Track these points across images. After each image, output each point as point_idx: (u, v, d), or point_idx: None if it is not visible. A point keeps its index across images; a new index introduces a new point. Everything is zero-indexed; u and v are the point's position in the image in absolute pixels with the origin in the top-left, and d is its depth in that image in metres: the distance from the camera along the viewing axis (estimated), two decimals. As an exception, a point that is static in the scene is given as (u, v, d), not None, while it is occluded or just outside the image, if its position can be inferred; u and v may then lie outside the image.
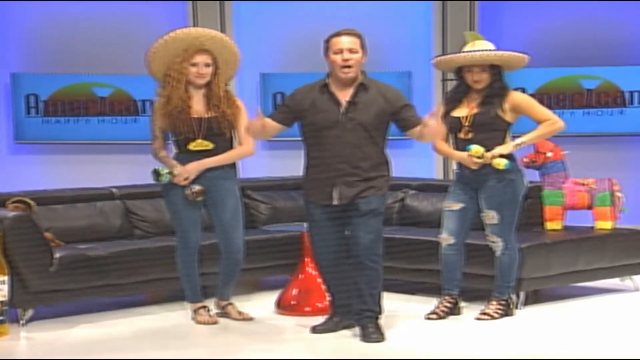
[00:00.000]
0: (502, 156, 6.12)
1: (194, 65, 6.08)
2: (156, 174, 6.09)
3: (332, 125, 5.68)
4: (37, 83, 10.15)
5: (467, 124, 6.20)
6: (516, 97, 6.24)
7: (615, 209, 7.19)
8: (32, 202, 6.67)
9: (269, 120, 5.80)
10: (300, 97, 5.81)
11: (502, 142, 6.18)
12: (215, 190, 6.13)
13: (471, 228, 6.35)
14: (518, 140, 6.16)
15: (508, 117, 6.19)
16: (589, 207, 7.23)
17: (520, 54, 6.25)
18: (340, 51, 5.69)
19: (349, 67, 5.67)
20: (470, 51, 6.20)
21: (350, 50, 5.69)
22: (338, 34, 5.75)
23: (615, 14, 10.23)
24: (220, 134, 6.11)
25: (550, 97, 10.00)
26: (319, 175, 5.73)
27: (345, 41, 5.71)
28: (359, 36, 5.76)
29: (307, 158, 5.83)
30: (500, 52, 6.18)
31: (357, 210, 5.68)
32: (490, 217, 6.21)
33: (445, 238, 6.33)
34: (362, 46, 5.75)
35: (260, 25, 10.41)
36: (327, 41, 5.77)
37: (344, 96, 5.71)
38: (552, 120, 6.20)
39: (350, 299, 5.82)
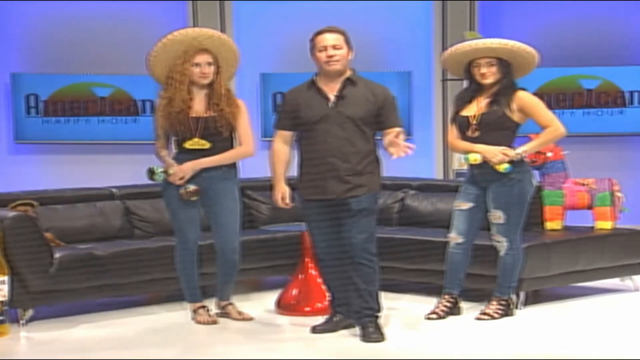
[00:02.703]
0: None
1: (196, 65, 6.09)
2: (150, 172, 6.10)
3: (322, 119, 5.71)
4: (37, 83, 10.16)
5: (474, 122, 6.20)
6: (524, 98, 6.20)
7: (615, 209, 7.19)
8: (35, 203, 6.65)
9: (281, 133, 5.87)
10: (291, 97, 5.88)
11: (510, 142, 6.17)
12: (212, 190, 6.13)
13: (480, 228, 6.34)
14: (520, 149, 6.15)
15: (516, 117, 6.17)
16: (589, 207, 7.23)
17: (528, 47, 6.18)
18: (325, 48, 5.74)
19: (333, 61, 5.72)
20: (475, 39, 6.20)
21: (335, 47, 5.74)
22: (321, 32, 5.81)
23: (615, 14, 10.23)
24: (217, 133, 6.10)
25: (550, 97, 9.99)
26: (311, 170, 5.75)
27: (329, 38, 5.76)
28: (342, 33, 5.81)
29: (300, 155, 5.86)
30: (505, 41, 6.15)
31: (348, 209, 5.70)
32: (497, 216, 6.20)
33: (454, 237, 6.33)
34: (347, 42, 5.79)
35: (260, 25, 10.42)
36: (312, 40, 5.83)
37: (332, 90, 5.76)
38: (554, 127, 6.19)
39: (350, 296, 5.83)
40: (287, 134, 5.88)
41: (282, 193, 5.85)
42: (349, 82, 5.78)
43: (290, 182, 5.90)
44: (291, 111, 5.83)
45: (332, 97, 5.75)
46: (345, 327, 5.91)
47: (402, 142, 5.50)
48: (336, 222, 5.76)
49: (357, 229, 5.71)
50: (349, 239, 5.72)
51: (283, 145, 5.88)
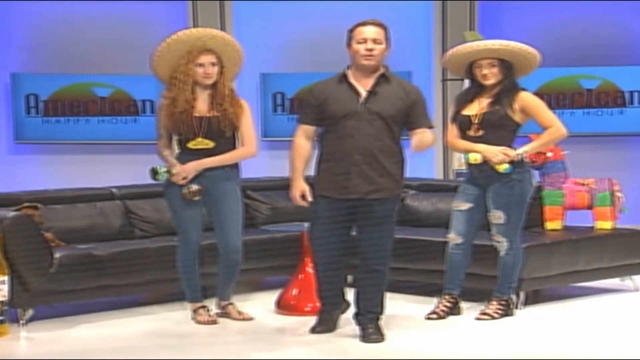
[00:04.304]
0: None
1: (200, 65, 6.07)
2: (153, 172, 6.10)
3: (351, 115, 5.54)
4: (37, 83, 10.17)
5: (476, 121, 6.19)
6: (526, 98, 6.19)
7: (615, 209, 7.19)
8: (39, 205, 6.63)
9: (304, 127, 5.71)
10: (319, 90, 5.68)
11: (510, 142, 6.17)
12: (215, 190, 6.13)
13: (480, 228, 6.34)
14: (520, 150, 6.15)
15: (517, 117, 6.16)
16: (589, 207, 7.22)
17: (529, 48, 6.16)
18: (364, 41, 5.57)
19: (371, 55, 5.57)
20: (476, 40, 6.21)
21: (375, 41, 5.58)
22: (363, 24, 5.63)
23: (615, 14, 10.23)
24: (220, 133, 6.10)
25: (550, 97, 9.99)
26: (334, 166, 5.60)
27: (370, 31, 5.60)
28: (384, 27, 5.65)
29: (322, 150, 5.68)
30: (506, 42, 6.14)
31: (370, 212, 5.60)
32: (497, 217, 6.20)
33: (453, 238, 6.33)
34: (387, 38, 5.65)
35: (260, 25, 10.42)
36: (351, 30, 5.65)
37: (364, 86, 5.59)
38: (555, 128, 6.18)
39: (338, 287, 5.85)
40: (311, 129, 5.70)
41: (302, 190, 5.67)
42: (383, 78, 5.62)
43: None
44: (317, 105, 5.63)
45: (363, 93, 5.58)
46: (341, 313, 5.90)
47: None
48: (347, 220, 5.66)
49: (377, 234, 5.63)
50: (368, 244, 5.63)
51: (305, 140, 5.70)
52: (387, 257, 5.71)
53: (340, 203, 5.63)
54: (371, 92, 5.59)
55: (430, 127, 5.70)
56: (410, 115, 5.64)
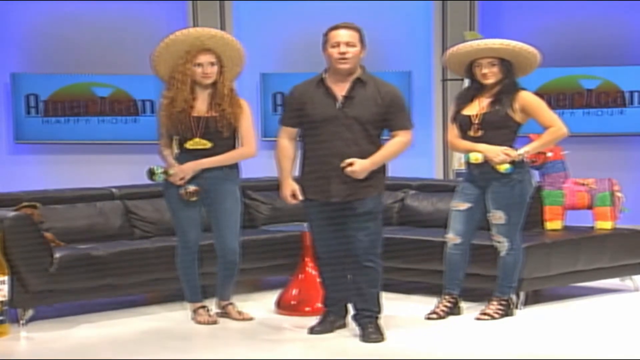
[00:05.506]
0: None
1: (198, 65, 6.07)
2: (150, 172, 6.09)
3: (328, 121, 5.61)
4: (37, 83, 10.17)
5: (476, 122, 6.19)
6: (526, 98, 6.19)
7: (615, 209, 7.19)
8: (38, 204, 6.63)
9: (286, 129, 5.78)
10: (298, 93, 5.76)
11: (511, 141, 6.17)
12: (213, 191, 6.12)
13: (478, 228, 6.34)
14: (522, 150, 6.14)
15: (518, 117, 6.16)
16: (589, 207, 7.22)
17: (530, 47, 6.16)
18: (338, 44, 5.62)
19: (345, 58, 5.61)
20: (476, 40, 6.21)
21: (348, 44, 5.62)
22: (336, 27, 5.68)
23: (615, 14, 10.23)
24: (218, 133, 6.09)
25: (550, 97, 9.98)
26: (315, 172, 5.68)
27: (343, 34, 5.64)
28: (357, 30, 5.68)
29: (304, 154, 5.77)
30: (506, 41, 6.14)
31: (353, 211, 5.65)
32: (497, 217, 6.20)
33: (452, 238, 6.32)
34: (361, 40, 5.67)
35: (260, 25, 10.42)
36: (325, 34, 5.70)
37: (340, 91, 5.65)
38: (557, 127, 6.18)
39: (344, 296, 5.83)
40: (293, 130, 5.79)
41: (292, 190, 5.75)
42: (359, 82, 5.65)
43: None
44: (297, 109, 5.72)
45: (340, 98, 5.64)
46: (338, 328, 5.90)
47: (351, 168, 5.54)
48: (339, 223, 5.71)
49: (363, 231, 5.66)
50: (354, 241, 5.67)
51: (289, 141, 5.79)
52: (375, 253, 5.73)
53: (326, 206, 5.69)
54: (347, 97, 5.63)
55: (406, 128, 5.71)
56: (388, 119, 5.68)
